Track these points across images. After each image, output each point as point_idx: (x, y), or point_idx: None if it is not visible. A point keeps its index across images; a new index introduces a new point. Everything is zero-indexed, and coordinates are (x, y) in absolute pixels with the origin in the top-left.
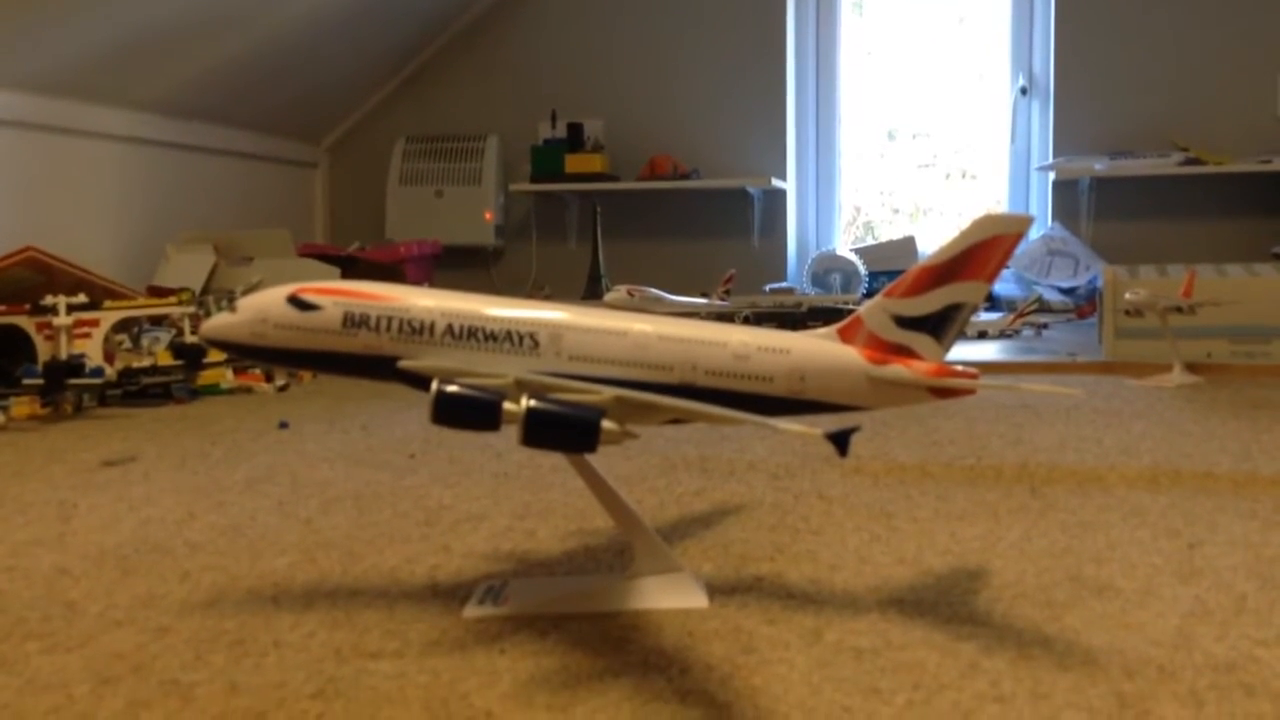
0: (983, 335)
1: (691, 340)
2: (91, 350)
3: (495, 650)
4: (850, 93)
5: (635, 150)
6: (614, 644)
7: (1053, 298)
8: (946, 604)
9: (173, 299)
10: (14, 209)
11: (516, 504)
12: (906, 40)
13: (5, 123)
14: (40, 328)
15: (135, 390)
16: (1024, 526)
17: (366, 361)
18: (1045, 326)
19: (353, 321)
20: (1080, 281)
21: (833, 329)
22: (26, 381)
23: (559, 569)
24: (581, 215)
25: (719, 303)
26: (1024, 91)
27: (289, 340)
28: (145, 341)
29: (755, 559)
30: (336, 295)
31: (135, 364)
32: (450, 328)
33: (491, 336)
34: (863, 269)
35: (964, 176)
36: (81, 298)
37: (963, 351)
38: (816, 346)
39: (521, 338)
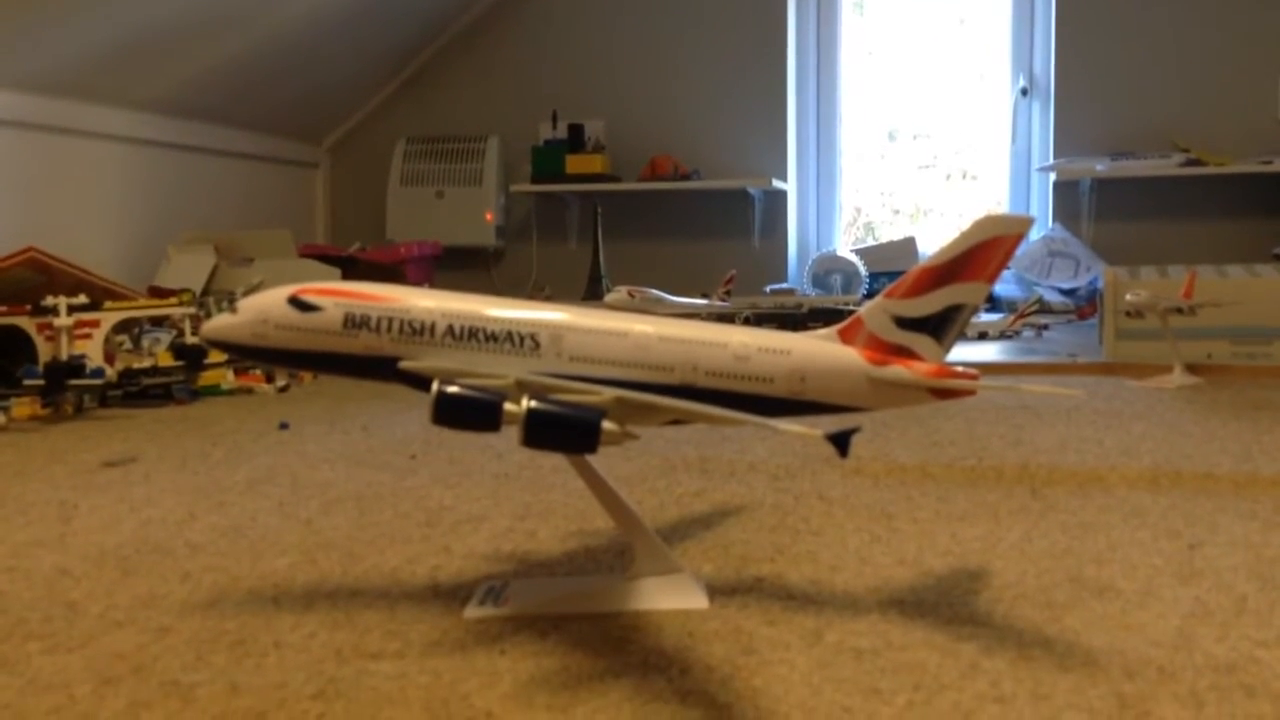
0: (983, 336)
1: (692, 341)
2: (92, 351)
3: (496, 651)
4: (851, 93)
5: (636, 151)
6: (614, 645)
7: (1053, 299)
8: (947, 605)
9: (173, 300)
10: (14, 209)
11: (517, 505)
12: (907, 40)
13: (5, 123)
14: (41, 328)
15: (136, 391)
16: (1024, 527)
17: (367, 362)
18: (1046, 327)
19: (353, 322)
20: (1081, 282)
21: (833, 330)
22: (27, 382)
23: (559, 570)
24: (582, 216)
25: (719, 304)
26: (1024, 92)
27: (290, 341)
28: (146, 342)
29: (755, 560)
30: (337, 296)
31: (136, 365)
32: (451, 328)
33: (492, 337)
34: (863, 270)
35: (965, 177)
36: (82, 298)
37: (963, 352)
38: (817, 347)
39: (522, 338)
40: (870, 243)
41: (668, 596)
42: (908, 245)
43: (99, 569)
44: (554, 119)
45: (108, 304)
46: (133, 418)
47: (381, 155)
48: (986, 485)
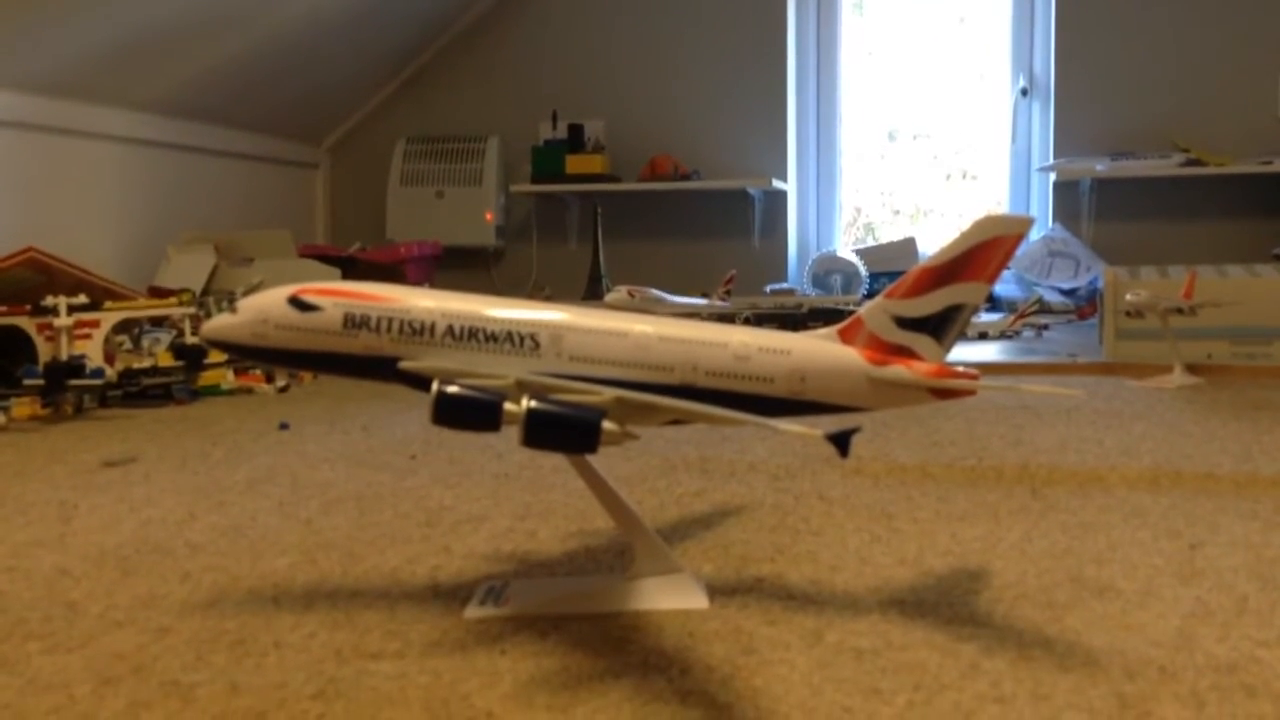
0: (983, 336)
1: (692, 341)
2: (92, 351)
3: (496, 651)
4: (851, 93)
5: (636, 151)
6: (614, 645)
7: (1053, 299)
8: (947, 605)
9: (173, 300)
10: (14, 209)
11: (517, 505)
12: (907, 40)
13: (5, 123)
14: (41, 328)
15: (136, 391)
16: (1025, 527)
17: (367, 362)
18: (1046, 327)
19: (353, 322)
20: (1081, 282)
21: (833, 330)
22: (27, 382)
23: (560, 570)
24: (582, 216)
25: (719, 303)
26: (1024, 92)
27: (290, 341)
28: (146, 342)
29: (756, 560)
30: (337, 296)
31: (136, 365)
32: (451, 328)
33: (492, 337)
34: (863, 270)
35: (965, 177)
36: (82, 298)
37: (963, 352)
38: (817, 347)
39: (522, 338)
40: (870, 243)
41: (668, 596)
42: (908, 245)
43: (99, 569)
44: (554, 119)
45: (108, 304)
46: (133, 418)
47: (381, 155)
48: (986, 485)
